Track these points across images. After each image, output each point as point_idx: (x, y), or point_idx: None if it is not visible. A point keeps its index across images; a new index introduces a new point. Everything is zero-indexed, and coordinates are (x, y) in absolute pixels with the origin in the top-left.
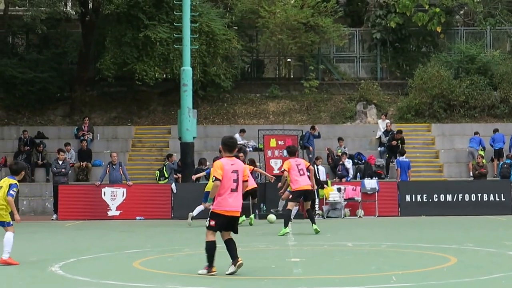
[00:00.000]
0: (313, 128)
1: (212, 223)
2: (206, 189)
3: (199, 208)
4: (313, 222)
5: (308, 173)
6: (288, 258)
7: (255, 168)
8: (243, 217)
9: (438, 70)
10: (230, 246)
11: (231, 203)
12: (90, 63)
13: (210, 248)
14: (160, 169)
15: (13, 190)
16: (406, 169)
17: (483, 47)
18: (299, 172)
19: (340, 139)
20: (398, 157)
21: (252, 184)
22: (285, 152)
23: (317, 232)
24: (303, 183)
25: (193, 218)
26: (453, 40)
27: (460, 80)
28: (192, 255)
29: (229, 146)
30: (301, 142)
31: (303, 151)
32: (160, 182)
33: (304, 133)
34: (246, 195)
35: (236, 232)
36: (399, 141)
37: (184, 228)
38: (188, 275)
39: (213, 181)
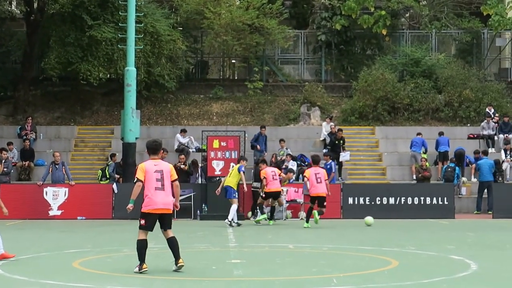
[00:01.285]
0: (263, 127)
1: (142, 222)
2: (226, 184)
3: (233, 209)
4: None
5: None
6: (228, 259)
7: (281, 174)
8: (264, 215)
9: (382, 72)
10: (172, 245)
11: (159, 201)
12: (34, 63)
13: (140, 246)
14: (102, 168)
15: None
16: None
17: (428, 50)
18: (316, 180)
19: (281, 140)
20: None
21: (277, 187)
22: (227, 154)
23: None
24: (320, 190)
25: (233, 221)
26: (398, 43)
27: (404, 83)
28: (132, 256)
29: (152, 149)
30: (251, 142)
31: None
32: (102, 182)
33: (255, 134)
34: (268, 196)
35: (170, 227)
36: (340, 141)
37: (125, 228)
38: (128, 276)
39: (134, 182)
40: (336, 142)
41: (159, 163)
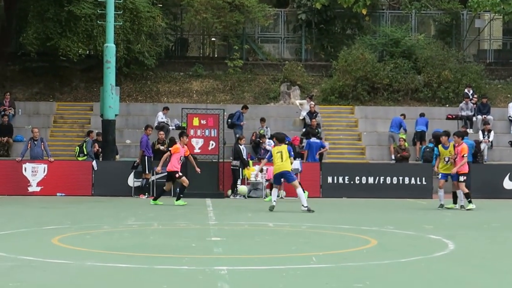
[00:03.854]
0: (245, 107)
1: None
2: (281, 169)
3: (300, 193)
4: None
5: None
6: (208, 237)
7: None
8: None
9: (362, 52)
10: None
11: None
12: (12, 37)
13: None
14: (79, 145)
15: None
16: (315, 151)
17: (408, 30)
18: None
19: (262, 119)
20: (309, 138)
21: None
22: (206, 132)
23: None
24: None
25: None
26: (378, 23)
27: (384, 63)
28: (111, 233)
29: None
30: (229, 121)
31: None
32: (79, 158)
33: (234, 112)
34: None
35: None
36: (316, 130)
37: (104, 205)
38: (107, 252)
39: None
40: (310, 129)
41: None
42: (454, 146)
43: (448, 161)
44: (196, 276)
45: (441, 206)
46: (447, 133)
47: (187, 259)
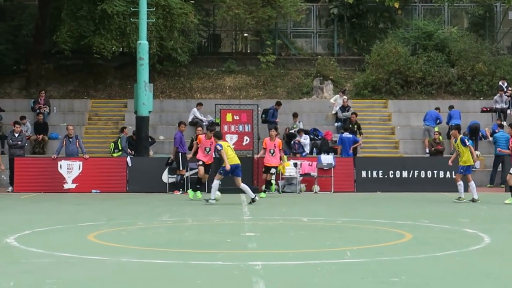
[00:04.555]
0: (278, 103)
1: None
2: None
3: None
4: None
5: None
6: (243, 232)
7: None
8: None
9: (395, 46)
10: None
11: None
12: (46, 36)
13: None
14: (114, 141)
15: None
16: (348, 146)
17: (441, 23)
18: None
19: (294, 115)
20: (341, 133)
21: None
22: (240, 127)
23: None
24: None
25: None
26: (411, 16)
27: (417, 57)
28: (146, 229)
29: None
30: (263, 116)
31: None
32: (114, 154)
33: (268, 108)
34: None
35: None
36: (354, 125)
37: (138, 201)
38: (142, 248)
39: None
40: (350, 126)
41: None
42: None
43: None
44: (231, 271)
45: (459, 198)
46: (458, 127)
47: (221, 254)
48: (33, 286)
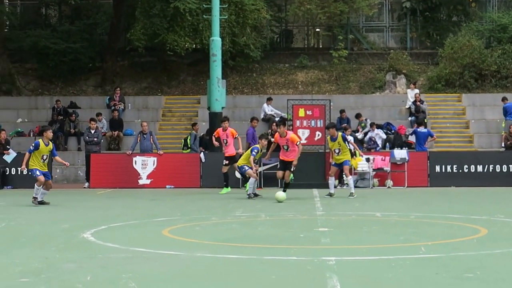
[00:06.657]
0: (343, 111)
1: None
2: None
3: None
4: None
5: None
6: (316, 227)
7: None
8: None
9: (469, 39)
10: None
11: None
12: (120, 34)
13: None
14: (185, 138)
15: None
16: (423, 140)
17: None
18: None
19: (357, 115)
20: (416, 128)
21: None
22: (312, 122)
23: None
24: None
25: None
26: (485, 9)
27: (491, 50)
28: (220, 224)
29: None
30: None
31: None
32: (184, 151)
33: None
34: None
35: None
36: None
37: (212, 196)
38: (216, 243)
39: None
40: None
41: None
42: None
43: None
44: (305, 266)
45: None
46: None
47: (295, 249)
48: (109, 281)
